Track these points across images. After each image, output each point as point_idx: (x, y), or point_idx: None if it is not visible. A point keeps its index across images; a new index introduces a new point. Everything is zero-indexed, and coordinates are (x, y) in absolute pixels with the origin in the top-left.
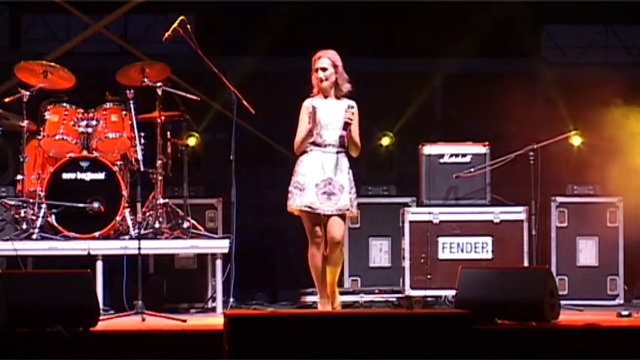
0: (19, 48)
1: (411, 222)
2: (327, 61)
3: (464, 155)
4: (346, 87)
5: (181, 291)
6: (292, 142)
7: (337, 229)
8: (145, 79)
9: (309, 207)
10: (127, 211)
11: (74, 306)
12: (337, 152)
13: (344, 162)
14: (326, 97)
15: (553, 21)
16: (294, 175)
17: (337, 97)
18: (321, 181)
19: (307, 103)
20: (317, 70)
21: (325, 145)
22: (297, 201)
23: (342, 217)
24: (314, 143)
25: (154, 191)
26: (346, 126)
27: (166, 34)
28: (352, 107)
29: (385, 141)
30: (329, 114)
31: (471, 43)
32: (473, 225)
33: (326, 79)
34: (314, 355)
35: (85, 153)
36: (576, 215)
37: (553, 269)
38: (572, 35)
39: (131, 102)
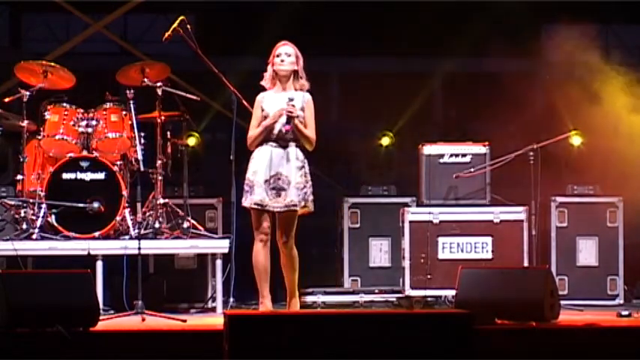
0: (19, 48)
1: (411, 222)
2: (292, 49)
3: (464, 155)
4: (304, 83)
5: (181, 291)
6: None
7: (285, 228)
8: (145, 79)
9: (259, 204)
10: (127, 211)
11: (74, 306)
12: (287, 146)
13: (294, 156)
14: (279, 89)
15: (553, 20)
16: (246, 172)
17: (295, 90)
18: (270, 176)
19: (259, 97)
20: (278, 55)
21: (275, 139)
22: (248, 199)
23: (292, 214)
24: (266, 138)
25: (153, 191)
26: (289, 119)
27: (166, 34)
28: (292, 99)
29: (385, 141)
30: (277, 107)
31: (471, 43)
32: (473, 225)
33: (287, 64)
34: (314, 355)
35: (85, 153)
36: (576, 215)
37: (553, 269)
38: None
39: (131, 102)
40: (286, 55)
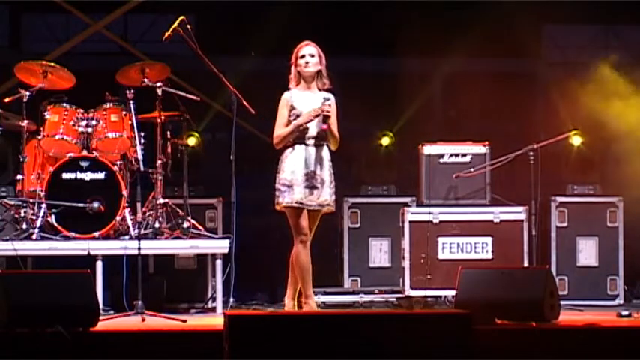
0: (19, 48)
1: (411, 222)
2: (314, 49)
3: (464, 155)
4: (327, 82)
5: (181, 291)
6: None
7: (313, 226)
8: (145, 79)
9: (299, 203)
10: (127, 211)
11: (74, 306)
12: (318, 145)
13: (325, 155)
14: (305, 89)
15: (553, 21)
16: (279, 172)
17: (318, 89)
18: (304, 175)
19: (286, 96)
20: (302, 56)
21: (308, 139)
22: (287, 198)
23: (320, 213)
24: (297, 137)
25: (153, 191)
26: (325, 119)
27: (166, 34)
28: (328, 99)
29: (385, 141)
30: (308, 106)
31: (471, 43)
32: (473, 225)
33: (312, 65)
34: (314, 355)
35: (85, 153)
36: (576, 215)
37: (553, 269)
38: (572, 35)
39: (131, 102)
40: (310, 56)
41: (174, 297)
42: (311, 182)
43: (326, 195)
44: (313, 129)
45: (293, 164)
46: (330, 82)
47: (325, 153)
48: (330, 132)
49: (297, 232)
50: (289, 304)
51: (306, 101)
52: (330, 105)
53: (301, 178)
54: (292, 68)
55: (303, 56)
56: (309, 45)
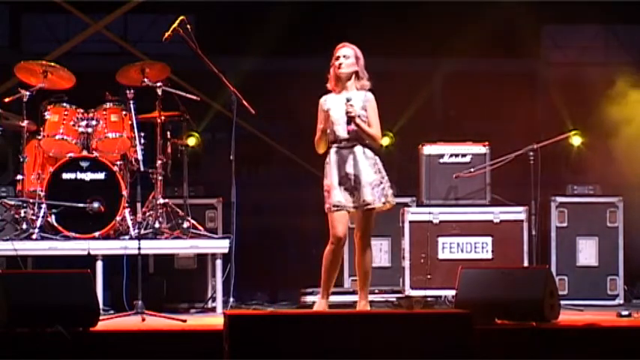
0: (19, 48)
1: (411, 222)
2: (350, 51)
3: (464, 155)
4: (366, 83)
5: (181, 291)
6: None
7: (361, 226)
8: (145, 79)
9: (337, 205)
10: (127, 211)
11: (74, 306)
12: (353, 146)
13: (362, 155)
14: (340, 91)
15: (553, 21)
16: (324, 176)
17: (356, 89)
18: (341, 178)
19: (321, 100)
20: (337, 57)
21: (340, 141)
22: (327, 202)
23: (368, 213)
24: (331, 140)
25: (153, 191)
26: (349, 120)
27: (166, 34)
28: (349, 100)
29: (385, 141)
30: (340, 109)
31: (470, 43)
32: (473, 225)
33: (345, 67)
34: (314, 355)
35: (85, 153)
36: (576, 215)
37: (553, 269)
38: (572, 35)
39: (131, 102)
40: (344, 57)
41: (174, 297)
42: (348, 184)
43: (366, 195)
44: (342, 131)
45: (329, 169)
46: (369, 82)
47: (360, 152)
48: (361, 131)
49: (331, 233)
50: (319, 304)
51: (337, 103)
52: (352, 105)
53: (336, 181)
54: (332, 70)
55: (337, 57)
56: (346, 46)
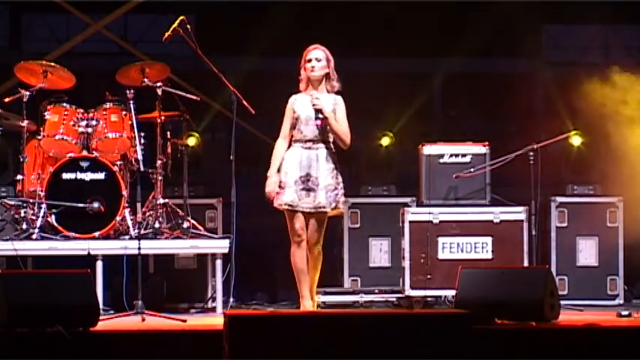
0: (19, 48)
1: (411, 222)
2: (322, 53)
3: (464, 155)
4: (336, 85)
5: (181, 291)
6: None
7: (313, 229)
8: (145, 79)
9: (290, 205)
10: (127, 211)
11: (74, 306)
12: (317, 147)
13: (324, 157)
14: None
15: (553, 21)
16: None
17: (327, 92)
18: (299, 177)
19: (291, 100)
20: (309, 60)
21: (305, 141)
22: (279, 199)
23: (321, 216)
24: (296, 139)
25: (153, 191)
26: (317, 113)
27: (166, 34)
28: (313, 94)
29: (385, 141)
30: (308, 109)
31: (471, 43)
32: (473, 225)
33: (318, 69)
34: (314, 355)
35: (85, 153)
36: (576, 215)
37: (553, 269)
38: (572, 35)
39: (131, 102)
40: (316, 60)
41: (174, 297)
42: (307, 184)
43: (321, 198)
44: (308, 131)
45: (287, 165)
46: (339, 84)
47: (323, 155)
48: (330, 128)
49: (290, 233)
50: (304, 304)
51: (306, 103)
52: (317, 98)
53: (294, 179)
54: (302, 71)
55: (309, 60)
56: (317, 49)
